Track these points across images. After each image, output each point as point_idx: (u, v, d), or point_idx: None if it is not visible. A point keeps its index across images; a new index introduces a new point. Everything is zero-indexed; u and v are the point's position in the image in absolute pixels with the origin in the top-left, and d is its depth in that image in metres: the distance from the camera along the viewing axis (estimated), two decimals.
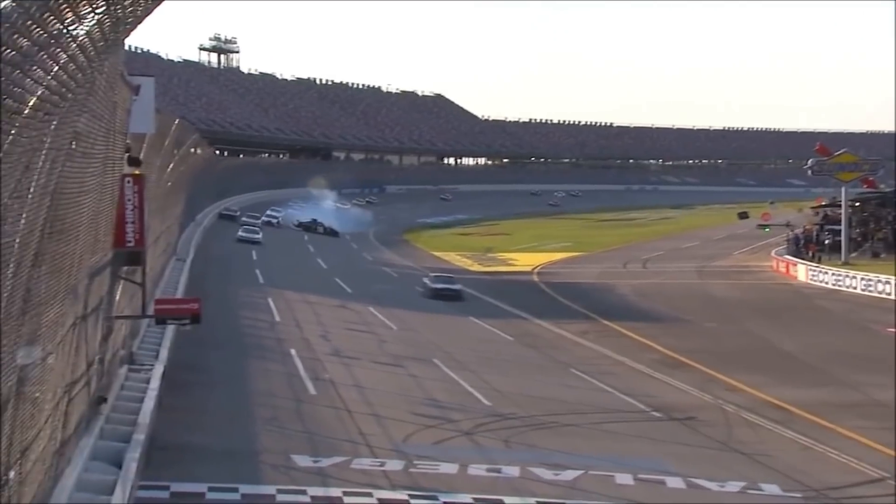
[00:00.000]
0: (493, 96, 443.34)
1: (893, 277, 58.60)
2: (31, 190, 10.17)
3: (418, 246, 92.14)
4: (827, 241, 73.91)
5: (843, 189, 73.29)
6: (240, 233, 78.82)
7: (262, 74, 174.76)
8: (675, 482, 22.68)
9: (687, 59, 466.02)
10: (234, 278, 54.83)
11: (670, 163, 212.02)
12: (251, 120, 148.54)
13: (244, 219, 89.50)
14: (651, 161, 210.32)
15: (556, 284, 64.12)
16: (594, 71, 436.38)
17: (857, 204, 77.00)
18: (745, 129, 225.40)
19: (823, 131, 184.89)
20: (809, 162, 78.15)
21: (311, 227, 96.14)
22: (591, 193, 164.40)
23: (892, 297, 56.95)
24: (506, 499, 20.59)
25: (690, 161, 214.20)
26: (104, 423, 19.35)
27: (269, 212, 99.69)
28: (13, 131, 8.66)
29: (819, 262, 69.16)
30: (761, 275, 70.85)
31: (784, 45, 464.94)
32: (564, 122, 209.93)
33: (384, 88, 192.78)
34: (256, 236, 78.37)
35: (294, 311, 46.24)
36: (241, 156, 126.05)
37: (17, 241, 9.94)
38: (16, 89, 8.63)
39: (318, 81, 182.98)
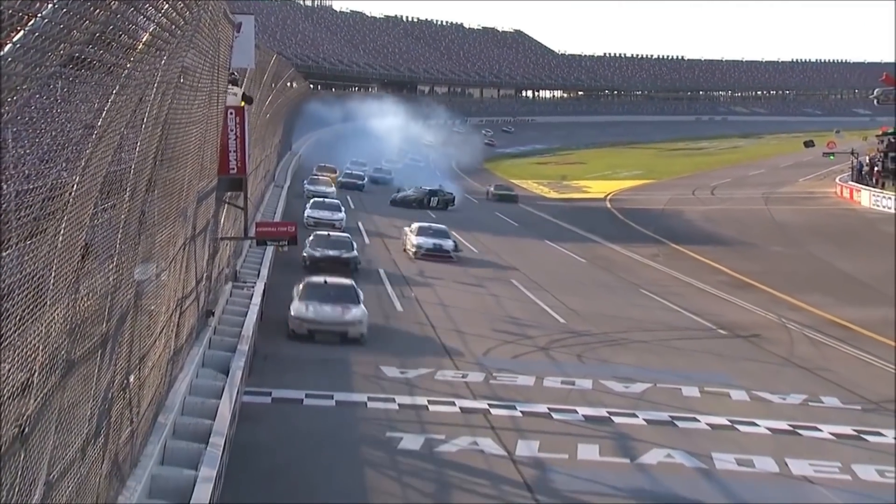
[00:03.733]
0: (570, 32, 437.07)
1: None
2: (144, 121, 10.34)
3: (498, 174, 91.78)
4: (891, 168, 72.51)
5: None
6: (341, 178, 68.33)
7: (353, 12, 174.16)
8: (738, 395, 22.70)
9: None
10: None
11: (739, 94, 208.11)
12: (342, 56, 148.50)
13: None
14: (720, 92, 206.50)
15: (628, 210, 63.71)
16: (666, 6, 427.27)
17: None
18: (813, 60, 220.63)
19: (889, 62, 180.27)
20: (875, 91, 76.73)
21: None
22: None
23: None
24: (579, 409, 20.79)
25: (759, 92, 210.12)
26: (212, 335, 19.75)
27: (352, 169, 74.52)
28: (128, 65, 8.80)
29: (882, 187, 67.91)
30: (825, 201, 69.76)
31: None
32: (637, 55, 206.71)
33: (466, 25, 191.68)
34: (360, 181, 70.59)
35: (382, 234, 46.54)
36: (333, 89, 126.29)
37: (133, 168, 10.14)
38: (130, 26, 8.75)
39: (404, 18, 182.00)
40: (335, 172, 67.81)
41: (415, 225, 43.05)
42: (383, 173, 77.24)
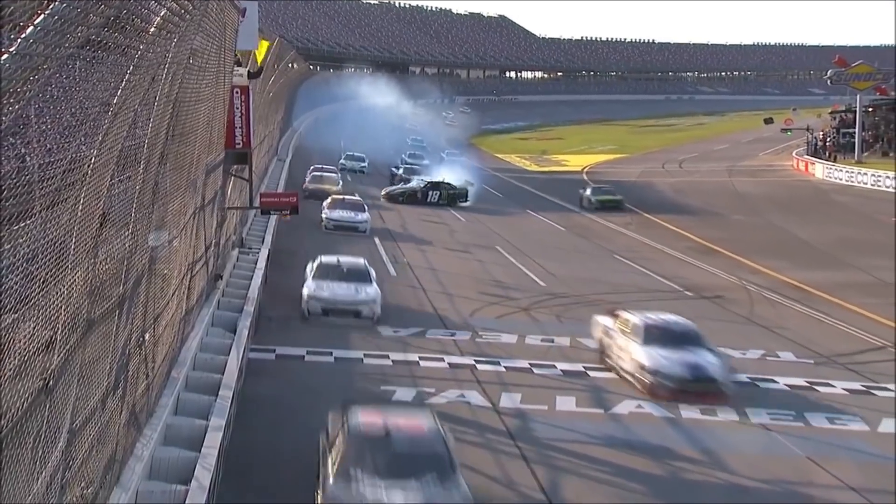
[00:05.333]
0: (550, 17, 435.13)
1: None
2: (157, 99, 10.30)
3: (483, 149, 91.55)
4: (842, 143, 72.82)
5: (857, 96, 72.63)
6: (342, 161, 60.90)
7: None
8: None
9: None
10: None
11: (705, 75, 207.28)
12: (339, 39, 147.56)
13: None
14: (688, 73, 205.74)
15: (603, 182, 63.66)
16: None
17: (870, 109, 75.65)
18: (772, 43, 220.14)
19: (842, 45, 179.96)
20: (829, 72, 76.99)
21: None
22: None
23: None
24: (557, 364, 20.84)
25: (722, 73, 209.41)
26: (220, 296, 19.76)
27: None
28: (141, 47, 8.74)
29: (835, 161, 68.10)
30: (783, 173, 69.83)
31: None
32: (611, 39, 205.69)
33: (454, 10, 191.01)
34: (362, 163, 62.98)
35: (377, 205, 46.43)
36: (332, 70, 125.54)
37: (146, 142, 10.11)
38: (143, 10, 8.70)
39: (396, 4, 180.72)
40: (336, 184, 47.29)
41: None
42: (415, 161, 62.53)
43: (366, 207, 35.62)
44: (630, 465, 15.29)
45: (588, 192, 52.60)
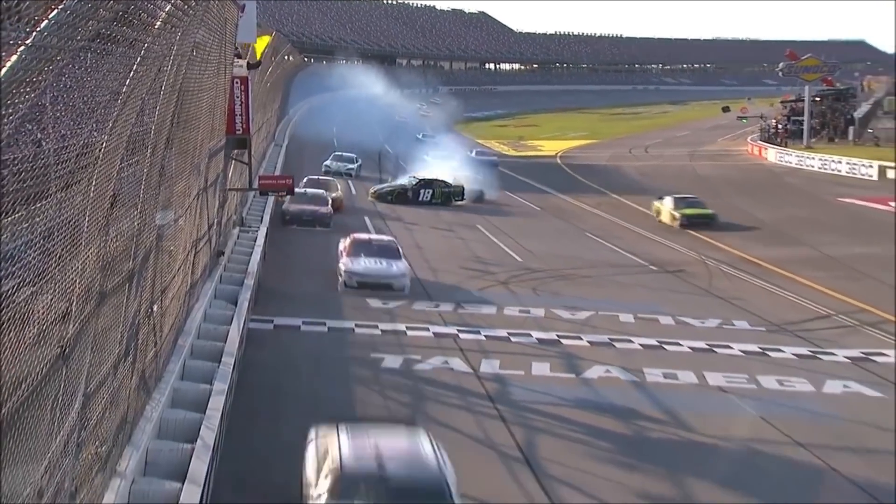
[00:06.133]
0: (527, 13, 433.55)
1: (844, 158, 58.04)
2: (163, 88, 10.24)
3: (465, 135, 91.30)
4: (792, 130, 73.10)
5: (806, 87, 72.85)
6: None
7: None
8: (666, 320, 22.87)
9: None
10: (321, 159, 54.16)
11: (668, 67, 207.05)
12: (331, 33, 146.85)
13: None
14: (653, 66, 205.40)
15: (576, 166, 63.64)
16: None
17: (818, 99, 75.94)
18: (729, 38, 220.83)
19: (792, 40, 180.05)
20: (781, 65, 77.16)
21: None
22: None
23: (844, 173, 56.34)
24: (533, 333, 20.91)
25: (684, 65, 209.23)
26: (222, 271, 19.70)
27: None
28: (148, 40, 8.69)
29: (786, 146, 68.33)
30: (739, 157, 69.94)
31: None
32: (583, 33, 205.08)
33: (437, 7, 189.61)
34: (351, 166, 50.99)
35: (367, 186, 46.29)
36: (324, 62, 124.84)
37: (153, 128, 10.06)
38: (149, 6, 8.65)
39: (384, 1, 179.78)
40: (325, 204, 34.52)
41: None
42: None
43: (401, 251, 25.52)
44: (599, 424, 15.37)
45: (668, 204, 38.65)
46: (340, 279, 23.98)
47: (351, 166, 50.58)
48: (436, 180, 42.60)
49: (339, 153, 52.33)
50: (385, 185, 43.67)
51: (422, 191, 41.56)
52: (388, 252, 25.17)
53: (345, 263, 24.32)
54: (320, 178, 40.95)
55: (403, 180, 43.57)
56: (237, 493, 11.76)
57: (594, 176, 56.39)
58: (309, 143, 59.92)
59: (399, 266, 24.54)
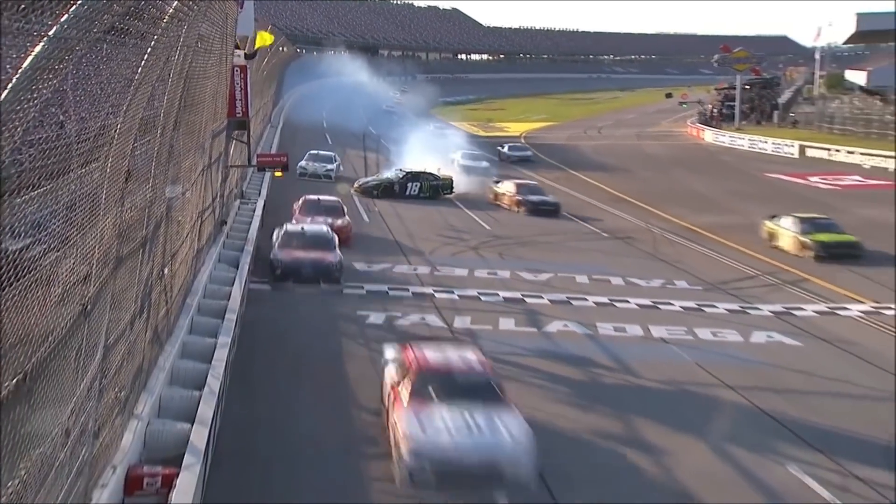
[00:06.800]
0: (495, 9, 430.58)
1: (770, 138, 58.39)
2: (171, 76, 10.15)
3: (440, 117, 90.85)
4: (726, 114, 73.51)
5: (738, 76, 73.18)
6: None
7: None
8: (616, 280, 23.00)
9: None
10: (312, 140, 53.90)
11: (618, 58, 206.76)
12: (321, 27, 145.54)
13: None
14: (605, 56, 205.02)
15: (538, 145, 63.34)
16: None
17: (748, 87, 76.37)
18: (671, 33, 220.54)
19: (726, 34, 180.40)
20: (716, 57, 77.70)
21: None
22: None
23: (769, 151, 56.74)
24: (500, 292, 20.99)
25: (633, 56, 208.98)
26: (225, 238, 19.64)
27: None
28: (157, 33, 8.60)
29: (720, 128, 68.65)
30: (680, 138, 70.11)
31: None
32: (544, 28, 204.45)
33: (415, 4, 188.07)
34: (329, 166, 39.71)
35: (353, 163, 46.13)
36: (315, 53, 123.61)
37: (163, 111, 9.97)
38: (157, 1, 8.55)
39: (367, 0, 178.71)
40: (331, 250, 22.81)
41: None
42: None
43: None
44: (558, 372, 15.50)
45: (794, 225, 26.93)
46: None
47: (329, 167, 39.19)
48: (423, 173, 36.13)
49: (315, 152, 40.97)
50: (370, 178, 37.38)
51: (409, 184, 35.33)
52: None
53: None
54: (321, 198, 27.64)
55: (389, 173, 37.06)
56: (240, 434, 11.80)
57: (554, 154, 56.31)
58: (301, 126, 59.43)
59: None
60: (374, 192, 34.83)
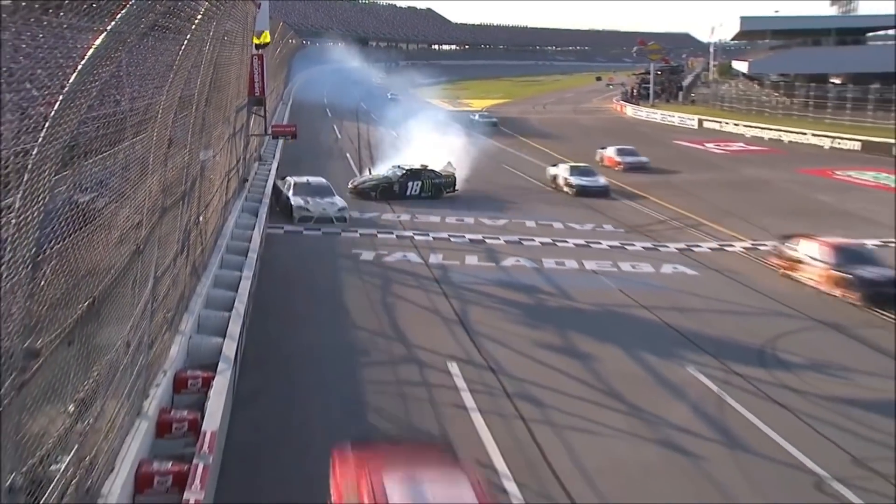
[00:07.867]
0: (462, 9, 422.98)
1: (676, 113, 58.43)
2: (203, 63, 10.01)
3: (418, 95, 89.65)
4: (642, 94, 73.39)
5: (652, 64, 72.87)
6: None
7: None
8: (558, 225, 23.04)
9: None
10: (315, 114, 53.06)
11: (559, 48, 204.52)
12: (322, 23, 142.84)
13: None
14: (549, 47, 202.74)
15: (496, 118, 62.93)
16: None
17: (659, 72, 76.33)
18: (600, 29, 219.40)
19: (641, 31, 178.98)
20: (635, 49, 77.40)
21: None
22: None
23: (676, 123, 56.90)
24: (466, 235, 21.03)
25: (570, 47, 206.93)
26: (247, 193, 19.50)
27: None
28: (192, 28, 8.47)
29: (638, 104, 68.53)
30: (608, 112, 69.79)
31: None
32: (500, 24, 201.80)
33: (397, 5, 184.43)
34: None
35: (349, 133, 45.61)
36: (317, 44, 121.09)
37: (196, 91, 9.85)
38: (192, 2, 8.41)
39: (358, 1, 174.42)
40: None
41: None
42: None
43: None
44: (512, 298, 15.65)
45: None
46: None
47: (340, 204, 21.86)
48: (424, 170, 26.54)
49: (307, 180, 22.68)
50: (366, 178, 27.09)
51: (409, 183, 26.02)
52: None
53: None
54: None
55: (387, 171, 26.99)
56: (260, 345, 11.91)
57: (508, 125, 55.92)
58: (306, 103, 58.47)
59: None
60: (373, 194, 25.42)
